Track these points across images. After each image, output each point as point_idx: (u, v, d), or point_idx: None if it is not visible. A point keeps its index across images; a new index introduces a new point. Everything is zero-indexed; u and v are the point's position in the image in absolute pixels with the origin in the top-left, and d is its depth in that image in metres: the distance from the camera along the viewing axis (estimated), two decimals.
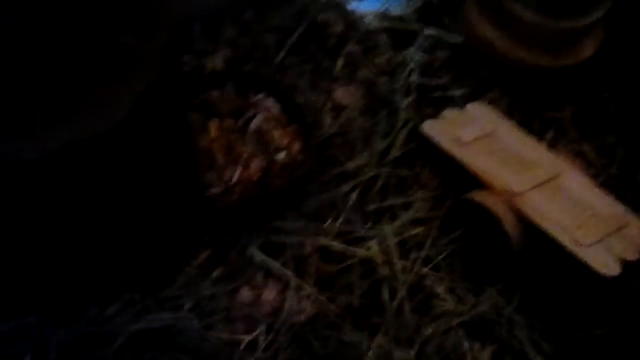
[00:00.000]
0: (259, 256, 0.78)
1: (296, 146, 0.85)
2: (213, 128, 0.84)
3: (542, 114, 0.96)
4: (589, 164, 0.91)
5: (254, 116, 0.86)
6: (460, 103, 0.95)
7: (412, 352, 0.74)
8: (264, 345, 0.73)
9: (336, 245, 0.81)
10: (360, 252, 0.81)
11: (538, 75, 0.97)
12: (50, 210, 0.61)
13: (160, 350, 0.71)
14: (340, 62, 0.98)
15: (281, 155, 0.83)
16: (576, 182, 0.85)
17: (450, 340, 0.75)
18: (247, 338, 0.73)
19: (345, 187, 0.86)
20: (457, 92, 0.97)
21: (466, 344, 0.76)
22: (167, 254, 0.75)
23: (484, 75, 0.99)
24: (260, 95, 0.88)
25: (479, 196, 0.81)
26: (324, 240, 0.81)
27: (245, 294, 0.76)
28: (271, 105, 0.87)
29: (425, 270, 0.81)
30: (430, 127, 0.89)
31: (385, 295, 0.78)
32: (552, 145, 0.92)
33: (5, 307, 0.68)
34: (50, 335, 0.69)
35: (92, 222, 0.65)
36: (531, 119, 0.95)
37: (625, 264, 0.77)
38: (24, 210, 0.61)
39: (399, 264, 0.80)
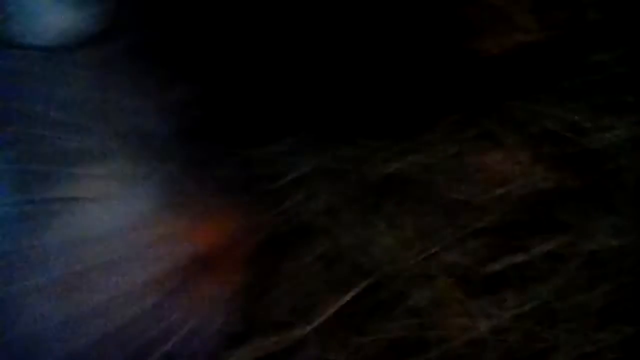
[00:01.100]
0: (509, 125, 0.76)
1: None
2: None
3: None
4: None
5: None
6: None
7: None
8: (501, 207, 0.72)
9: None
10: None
11: None
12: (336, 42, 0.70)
13: (418, 189, 0.74)
14: None
15: None
16: None
17: None
18: (492, 195, 0.73)
19: None
20: None
21: None
22: (425, 107, 0.77)
23: None
24: None
25: None
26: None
27: (494, 156, 0.76)
28: None
29: None
30: None
31: None
32: None
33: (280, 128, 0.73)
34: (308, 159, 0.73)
35: (366, 62, 0.71)
36: None
37: None
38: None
39: None
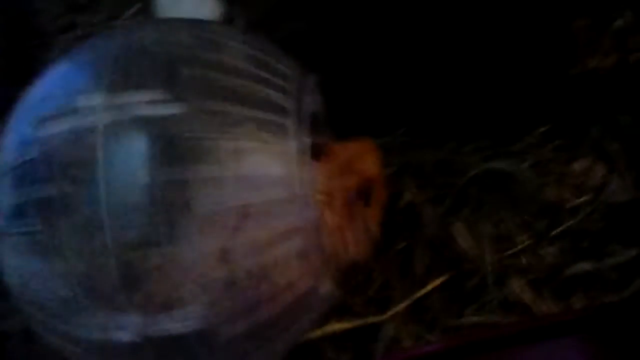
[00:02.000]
0: (596, 135, 0.83)
1: None
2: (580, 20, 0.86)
3: None
4: None
5: None
6: None
7: None
8: (583, 215, 0.78)
9: None
10: None
11: None
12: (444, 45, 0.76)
13: (500, 192, 0.80)
14: None
15: None
16: None
17: None
18: (571, 204, 0.78)
19: None
20: None
21: None
22: (521, 115, 0.84)
23: None
24: None
25: None
26: None
27: (578, 165, 0.81)
28: None
29: None
30: None
31: None
32: None
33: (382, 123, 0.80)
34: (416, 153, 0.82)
35: (473, 67, 0.78)
36: None
37: None
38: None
39: None
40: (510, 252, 0.75)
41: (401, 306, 0.70)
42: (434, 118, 0.83)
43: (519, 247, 0.76)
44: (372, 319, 0.69)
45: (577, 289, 0.73)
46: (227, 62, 0.53)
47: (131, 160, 0.48)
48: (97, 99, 0.50)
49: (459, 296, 0.72)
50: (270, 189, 0.51)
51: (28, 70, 0.82)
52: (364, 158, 0.63)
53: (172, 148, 0.48)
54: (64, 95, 0.52)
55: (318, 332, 0.68)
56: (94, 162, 0.48)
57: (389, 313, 0.69)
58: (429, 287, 0.71)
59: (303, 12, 0.59)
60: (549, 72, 0.83)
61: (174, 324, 0.49)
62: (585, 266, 0.74)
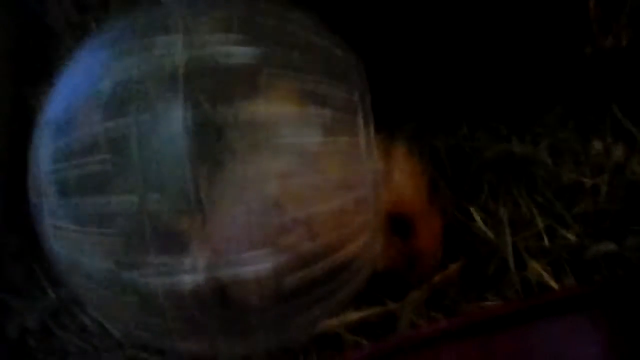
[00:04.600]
0: (614, 114, 0.81)
1: None
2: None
3: None
4: None
5: None
6: None
7: None
8: (605, 192, 0.77)
9: None
10: None
11: None
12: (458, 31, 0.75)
13: (516, 175, 0.79)
14: None
15: None
16: None
17: None
18: (591, 183, 0.77)
19: None
20: None
21: None
22: (535, 98, 0.83)
23: None
24: None
25: None
26: None
27: (596, 145, 0.80)
28: None
29: None
30: None
31: None
32: None
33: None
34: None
35: (485, 52, 0.77)
36: None
37: None
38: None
39: None
40: (529, 234, 0.74)
41: (419, 292, 0.69)
42: (446, 103, 0.82)
43: (539, 229, 0.75)
44: (390, 306, 0.68)
45: (599, 270, 0.72)
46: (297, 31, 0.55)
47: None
48: (174, 37, 0.51)
49: (479, 281, 0.71)
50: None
51: (39, 71, 0.83)
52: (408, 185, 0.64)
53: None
54: (138, 36, 0.53)
55: (336, 322, 0.67)
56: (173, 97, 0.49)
57: (408, 299, 0.68)
58: (447, 272, 0.70)
59: (312, 2, 0.59)
60: (564, 52, 0.81)
61: (236, 269, 0.50)
62: (606, 246, 0.73)
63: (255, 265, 0.50)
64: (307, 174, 0.51)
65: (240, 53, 0.51)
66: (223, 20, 0.53)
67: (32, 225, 0.71)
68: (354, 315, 0.68)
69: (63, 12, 0.88)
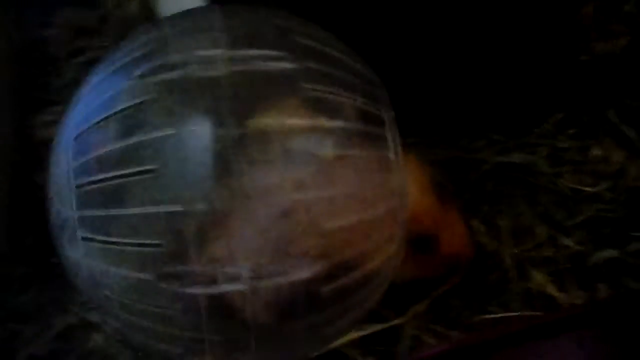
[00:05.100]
0: (613, 120, 0.82)
1: None
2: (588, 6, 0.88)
3: None
4: None
5: None
6: None
7: None
8: (606, 199, 0.77)
9: None
10: None
11: None
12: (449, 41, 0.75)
13: (516, 185, 0.79)
14: None
15: None
16: None
17: None
18: (592, 190, 0.78)
19: None
20: None
21: None
22: (533, 107, 0.84)
23: None
24: None
25: None
26: None
27: (596, 152, 0.81)
28: None
29: None
30: None
31: None
32: None
33: None
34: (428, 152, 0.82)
35: (480, 62, 0.78)
36: None
37: None
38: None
39: None
40: (531, 244, 0.74)
41: (421, 306, 0.69)
42: (445, 114, 0.82)
43: (540, 238, 0.75)
44: (393, 322, 0.68)
45: (602, 278, 0.72)
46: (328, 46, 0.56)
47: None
48: (215, 52, 0.52)
49: (481, 292, 0.71)
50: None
51: (40, 98, 0.84)
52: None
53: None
54: (178, 50, 0.53)
55: (341, 340, 0.68)
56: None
57: (410, 313, 0.69)
58: (449, 284, 0.70)
59: (307, 12, 0.60)
60: (559, 61, 0.82)
61: (275, 279, 0.50)
62: (608, 254, 0.73)
63: (295, 274, 0.51)
64: (338, 185, 0.51)
65: (273, 67, 0.52)
66: (251, 34, 0.54)
67: (38, 253, 0.73)
68: (357, 333, 0.68)
69: (63, 38, 0.89)
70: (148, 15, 0.90)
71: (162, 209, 0.49)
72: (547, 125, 0.83)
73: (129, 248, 0.51)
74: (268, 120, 0.50)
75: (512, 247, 0.74)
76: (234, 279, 0.50)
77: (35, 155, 0.76)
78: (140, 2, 0.91)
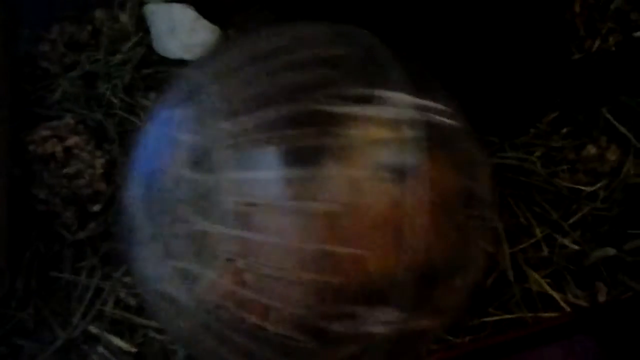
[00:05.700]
0: (607, 118, 0.83)
1: None
2: (577, 4, 0.88)
3: None
4: None
5: None
6: None
7: None
8: (602, 198, 0.77)
9: None
10: None
11: None
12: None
13: (510, 186, 0.79)
14: None
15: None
16: None
17: None
18: (589, 189, 0.78)
19: None
20: None
21: None
22: (527, 108, 0.84)
23: None
24: None
25: None
26: None
27: (591, 151, 0.80)
28: None
29: None
30: None
31: None
32: None
33: None
34: None
35: (473, 64, 0.77)
36: None
37: None
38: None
39: None
40: (528, 245, 0.74)
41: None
42: None
43: (537, 239, 0.75)
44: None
45: (600, 276, 0.72)
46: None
47: None
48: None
49: (480, 295, 0.71)
50: None
51: (36, 113, 0.84)
52: None
53: None
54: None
55: None
56: None
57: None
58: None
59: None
60: (550, 61, 0.82)
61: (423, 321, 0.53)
62: (606, 252, 0.73)
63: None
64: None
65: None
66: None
67: (37, 268, 0.73)
68: None
69: (56, 52, 0.89)
70: (139, 29, 0.90)
71: None
72: (541, 125, 0.83)
73: None
74: None
75: (508, 249, 0.74)
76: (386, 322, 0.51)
77: (31, 169, 0.76)
78: (132, 15, 0.91)
